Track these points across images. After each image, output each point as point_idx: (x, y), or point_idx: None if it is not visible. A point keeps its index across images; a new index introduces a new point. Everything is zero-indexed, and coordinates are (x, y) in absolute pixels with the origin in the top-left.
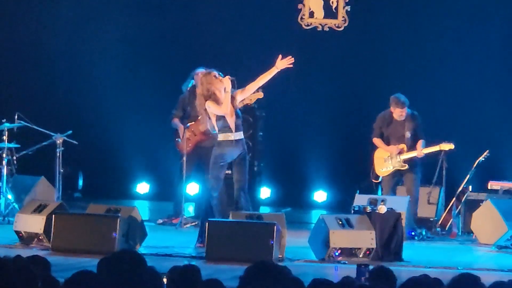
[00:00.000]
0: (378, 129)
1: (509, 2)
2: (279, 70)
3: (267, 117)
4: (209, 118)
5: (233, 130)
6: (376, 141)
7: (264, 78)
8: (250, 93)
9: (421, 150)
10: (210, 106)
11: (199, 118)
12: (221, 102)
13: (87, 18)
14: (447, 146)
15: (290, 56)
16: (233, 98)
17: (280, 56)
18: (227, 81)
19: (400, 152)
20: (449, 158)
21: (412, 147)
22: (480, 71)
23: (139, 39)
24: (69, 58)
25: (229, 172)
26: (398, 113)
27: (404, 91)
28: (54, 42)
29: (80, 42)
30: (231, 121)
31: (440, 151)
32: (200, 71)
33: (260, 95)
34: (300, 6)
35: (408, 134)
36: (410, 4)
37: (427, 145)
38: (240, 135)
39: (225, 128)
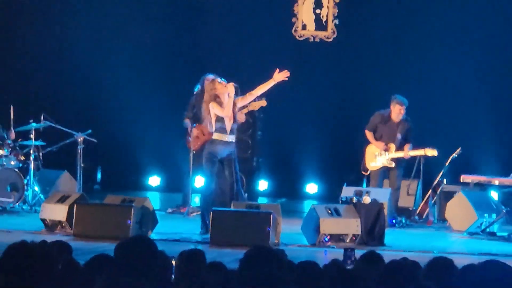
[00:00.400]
0: (374, 124)
1: (480, 11)
2: (275, 82)
3: (265, 118)
4: (210, 118)
5: (228, 132)
6: (368, 133)
7: (262, 89)
8: (249, 101)
9: (408, 152)
10: (213, 107)
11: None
12: (224, 106)
13: (106, 30)
14: (431, 152)
15: (286, 70)
16: (234, 104)
17: (278, 69)
18: (231, 87)
19: (386, 150)
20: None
21: (400, 148)
22: (454, 79)
23: (152, 49)
24: (89, 65)
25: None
26: (397, 111)
27: (386, 94)
28: (76, 52)
29: (99, 52)
30: (229, 124)
31: (424, 156)
32: (209, 77)
33: (263, 103)
34: (294, 19)
35: (399, 136)
36: (391, 19)
37: (413, 148)
38: (232, 138)
39: (222, 129)
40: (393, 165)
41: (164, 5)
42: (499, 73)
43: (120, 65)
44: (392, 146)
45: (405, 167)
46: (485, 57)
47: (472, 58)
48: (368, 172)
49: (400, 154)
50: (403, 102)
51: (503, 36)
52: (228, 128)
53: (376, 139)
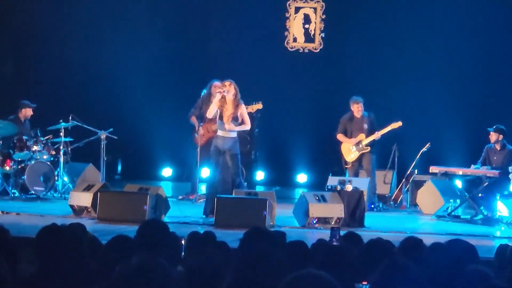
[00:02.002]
0: (343, 126)
1: (447, 15)
2: None
3: (261, 118)
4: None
5: (226, 129)
6: (339, 136)
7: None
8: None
9: (378, 133)
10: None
11: (212, 119)
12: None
13: (126, 42)
14: (397, 124)
15: None
16: (237, 109)
17: None
18: (230, 87)
19: (359, 143)
20: (400, 149)
21: (370, 134)
22: (425, 84)
23: (166, 59)
24: (110, 73)
25: (228, 158)
26: (356, 109)
27: (364, 97)
28: (99, 61)
29: (119, 61)
30: (227, 121)
31: (397, 135)
32: (215, 83)
33: (260, 106)
34: (286, 33)
35: (365, 126)
36: (368, 34)
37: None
38: (231, 134)
39: (221, 126)
40: (368, 149)
41: (176, 22)
42: (461, 79)
43: (138, 73)
44: (362, 135)
45: (381, 159)
46: (450, 64)
47: (438, 66)
48: (349, 165)
49: (373, 137)
50: (358, 100)
51: (466, 43)
52: (227, 126)
53: (347, 134)
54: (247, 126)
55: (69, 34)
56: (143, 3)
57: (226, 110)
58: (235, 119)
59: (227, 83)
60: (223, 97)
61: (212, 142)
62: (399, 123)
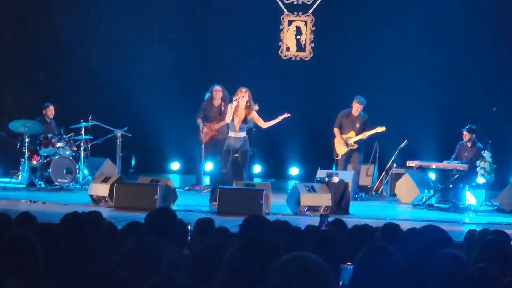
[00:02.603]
0: (339, 120)
1: (422, 26)
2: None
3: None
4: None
5: (237, 130)
6: (336, 130)
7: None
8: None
9: (365, 134)
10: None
11: (214, 119)
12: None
13: (139, 50)
14: (380, 129)
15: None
16: (250, 112)
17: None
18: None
19: (348, 139)
20: (381, 145)
21: (359, 134)
22: (404, 87)
23: (174, 66)
24: (125, 78)
25: (237, 155)
26: (356, 107)
27: (349, 99)
28: (115, 67)
29: (134, 67)
30: (238, 124)
31: (379, 134)
32: (216, 87)
33: (256, 107)
34: (280, 43)
35: (357, 125)
36: (353, 43)
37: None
38: (241, 134)
39: (232, 128)
40: (356, 146)
41: (183, 35)
42: (435, 84)
43: (150, 79)
44: (352, 134)
45: (365, 154)
46: (424, 72)
47: (414, 73)
48: (339, 157)
49: (360, 137)
50: (362, 102)
51: (439, 52)
52: (237, 128)
53: (342, 129)
54: (262, 124)
55: (90, 46)
56: (156, 19)
57: (238, 115)
58: (244, 122)
59: (243, 90)
60: (238, 104)
61: (225, 142)
62: (383, 128)
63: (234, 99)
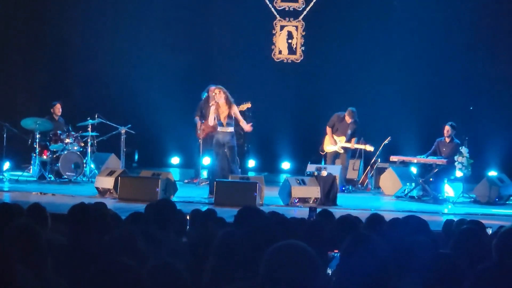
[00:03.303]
0: (333, 122)
1: (404, 32)
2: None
3: (252, 116)
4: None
5: (224, 125)
6: (328, 129)
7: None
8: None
9: (353, 145)
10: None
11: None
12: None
13: (142, 54)
14: (369, 148)
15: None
16: (231, 106)
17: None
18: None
19: (337, 143)
20: (366, 142)
21: (349, 140)
22: (387, 88)
23: (174, 69)
24: (129, 79)
25: (225, 150)
26: (348, 118)
27: (338, 100)
28: (119, 69)
29: (137, 69)
30: (224, 120)
31: (365, 129)
32: (211, 87)
33: (249, 105)
34: (273, 47)
35: (349, 132)
36: (341, 47)
37: (358, 142)
38: (228, 129)
39: (220, 124)
40: (342, 151)
41: (183, 38)
42: (415, 87)
43: (152, 79)
44: (343, 138)
45: (352, 151)
46: (406, 75)
47: (397, 76)
48: (324, 153)
49: (348, 145)
50: (353, 114)
51: (419, 56)
52: (224, 123)
53: (333, 131)
54: (242, 123)
55: (96, 49)
56: (158, 25)
57: (222, 112)
58: (230, 118)
59: (217, 90)
60: (217, 104)
61: (214, 137)
62: (372, 148)
63: (211, 103)
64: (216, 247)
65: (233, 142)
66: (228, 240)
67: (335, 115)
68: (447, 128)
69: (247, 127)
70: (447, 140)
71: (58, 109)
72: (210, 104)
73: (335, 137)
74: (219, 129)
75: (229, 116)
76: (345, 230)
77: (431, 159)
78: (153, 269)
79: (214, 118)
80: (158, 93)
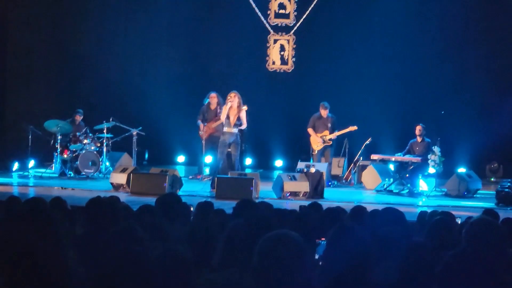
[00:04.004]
0: (312, 123)
1: (382, 41)
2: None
3: (249, 119)
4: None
5: (231, 126)
6: (310, 130)
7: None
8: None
9: (335, 134)
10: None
11: (211, 120)
12: (224, 112)
13: (150, 63)
14: (353, 128)
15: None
16: (240, 111)
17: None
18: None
19: (323, 137)
20: (350, 142)
21: (331, 133)
22: (369, 92)
23: (179, 75)
24: (141, 86)
25: (229, 149)
26: (323, 112)
27: (325, 101)
28: (131, 77)
29: (147, 77)
30: (233, 122)
31: (349, 132)
32: (211, 94)
33: (245, 108)
34: (267, 58)
35: (329, 125)
36: (327, 58)
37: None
38: (235, 130)
39: (228, 124)
40: (330, 143)
41: (187, 49)
42: (393, 93)
43: (160, 87)
44: (326, 132)
45: (336, 149)
46: (385, 81)
47: (376, 82)
48: (316, 152)
49: (335, 134)
50: (326, 107)
51: (397, 62)
52: (232, 124)
53: (315, 129)
54: (244, 126)
55: (110, 59)
56: (164, 38)
57: (232, 114)
58: (238, 119)
59: (232, 94)
60: (231, 106)
61: (221, 137)
62: (355, 127)
63: (227, 101)
64: (226, 235)
65: (238, 140)
66: (236, 229)
67: (312, 117)
68: (419, 127)
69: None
70: (419, 139)
71: (79, 118)
72: (228, 101)
73: (319, 134)
74: (226, 129)
75: (238, 118)
76: (331, 220)
77: (407, 157)
78: (160, 256)
79: (226, 117)
80: (165, 99)
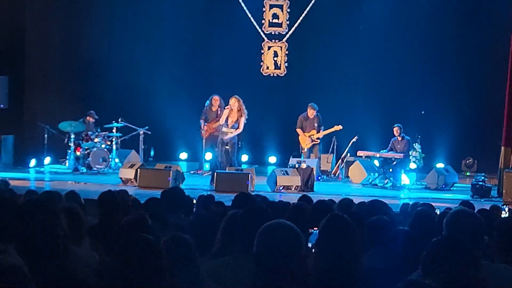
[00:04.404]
0: (300, 122)
1: (367, 46)
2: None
3: (245, 119)
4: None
5: (229, 127)
6: (298, 131)
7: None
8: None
9: (322, 133)
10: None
11: (212, 120)
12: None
13: (156, 68)
14: (338, 127)
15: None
16: (241, 115)
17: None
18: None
19: (311, 136)
20: (338, 140)
21: (318, 132)
22: (352, 96)
23: (184, 78)
24: (147, 89)
25: (227, 147)
26: (311, 112)
27: (314, 102)
28: (139, 81)
29: (153, 81)
30: (230, 124)
31: (334, 131)
32: (214, 97)
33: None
34: (261, 63)
35: (315, 125)
36: (315, 63)
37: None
38: (232, 131)
39: (226, 126)
40: (318, 141)
41: (190, 54)
42: (377, 94)
43: (164, 89)
44: (314, 132)
45: (325, 147)
46: (371, 83)
47: (362, 85)
48: (305, 150)
49: (321, 134)
50: (314, 107)
51: (380, 66)
52: (230, 125)
53: (303, 129)
54: (239, 131)
55: (119, 64)
56: (167, 44)
57: (232, 117)
58: (236, 122)
59: (234, 99)
60: (231, 110)
61: (219, 136)
62: (340, 127)
63: (228, 106)
64: (223, 224)
65: (234, 140)
66: (232, 219)
67: (299, 117)
68: (396, 128)
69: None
70: (399, 138)
71: (91, 119)
72: (228, 106)
73: (306, 134)
74: (224, 129)
75: (236, 121)
76: (321, 211)
77: (390, 154)
78: (167, 241)
79: (224, 119)
80: (169, 101)
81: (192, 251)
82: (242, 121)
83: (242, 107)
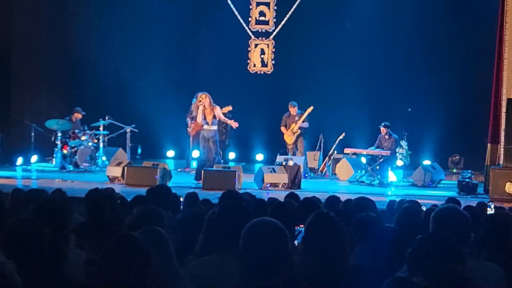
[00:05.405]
0: (284, 121)
1: (357, 45)
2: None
3: (232, 117)
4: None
5: (209, 124)
6: (282, 129)
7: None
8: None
9: (299, 122)
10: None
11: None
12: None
13: (143, 65)
14: (310, 109)
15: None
16: (214, 108)
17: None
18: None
19: (292, 131)
20: (324, 137)
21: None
22: (340, 94)
23: (170, 76)
24: (134, 87)
25: (210, 144)
26: (293, 110)
27: (301, 103)
28: (126, 79)
29: (140, 79)
30: (209, 120)
31: (324, 128)
32: (199, 94)
33: (230, 108)
34: (248, 61)
35: (297, 119)
36: (302, 61)
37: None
38: (212, 127)
39: (206, 123)
40: (299, 131)
41: (176, 53)
42: (366, 91)
43: (151, 87)
44: (293, 125)
45: (312, 144)
46: (359, 82)
47: (350, 83)
48: (291, 146)
49: (298, 124)
50: (294, 105)
51: (368, 64)
52: (209, 122)
53: (287, 126)
54: (227, 121)
55: (106, 62)
56: (155, 43)
57: (207, 114)
58: (214, 118)
59: (203, 96)
60: (204, 107)
61: (201, 133)
62: (311, 108)
63: (198, 105)
64: (205, 223)
65: (216, 137)
66: (214, 217)
67: (283, 116)
68: (382, 129)
69: (234, 124)
70: (386, 137)
71: (78, 115)
72: (198, 104)
73: (289, 130)
74: (205, 127)
75: (214, 116)
76: (308, 208)
77: (377, 151)
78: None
79: (202, 117)
80: (156, 98)
81: (144, 251)
82: (218, 112)
83: (212, 102)
